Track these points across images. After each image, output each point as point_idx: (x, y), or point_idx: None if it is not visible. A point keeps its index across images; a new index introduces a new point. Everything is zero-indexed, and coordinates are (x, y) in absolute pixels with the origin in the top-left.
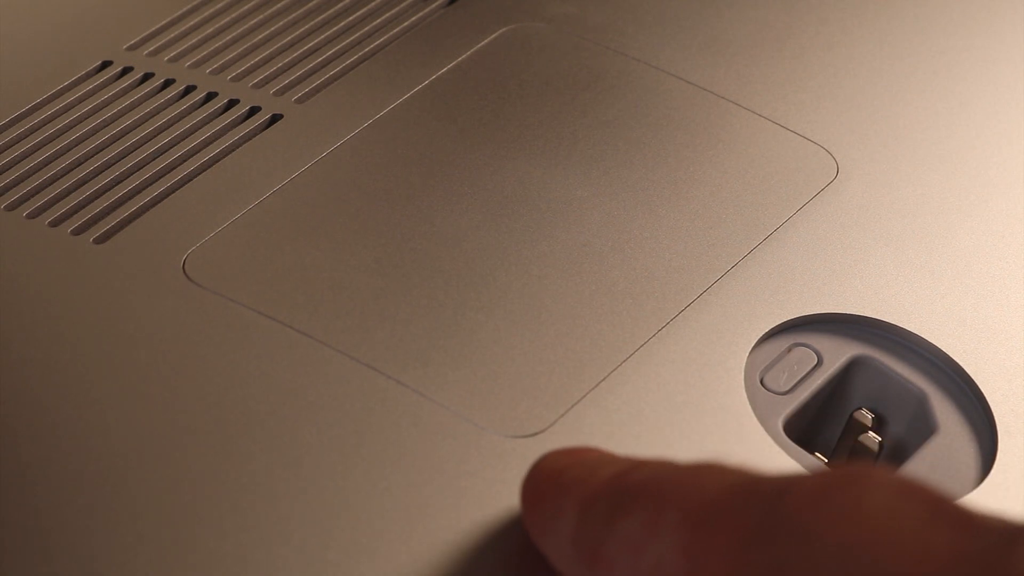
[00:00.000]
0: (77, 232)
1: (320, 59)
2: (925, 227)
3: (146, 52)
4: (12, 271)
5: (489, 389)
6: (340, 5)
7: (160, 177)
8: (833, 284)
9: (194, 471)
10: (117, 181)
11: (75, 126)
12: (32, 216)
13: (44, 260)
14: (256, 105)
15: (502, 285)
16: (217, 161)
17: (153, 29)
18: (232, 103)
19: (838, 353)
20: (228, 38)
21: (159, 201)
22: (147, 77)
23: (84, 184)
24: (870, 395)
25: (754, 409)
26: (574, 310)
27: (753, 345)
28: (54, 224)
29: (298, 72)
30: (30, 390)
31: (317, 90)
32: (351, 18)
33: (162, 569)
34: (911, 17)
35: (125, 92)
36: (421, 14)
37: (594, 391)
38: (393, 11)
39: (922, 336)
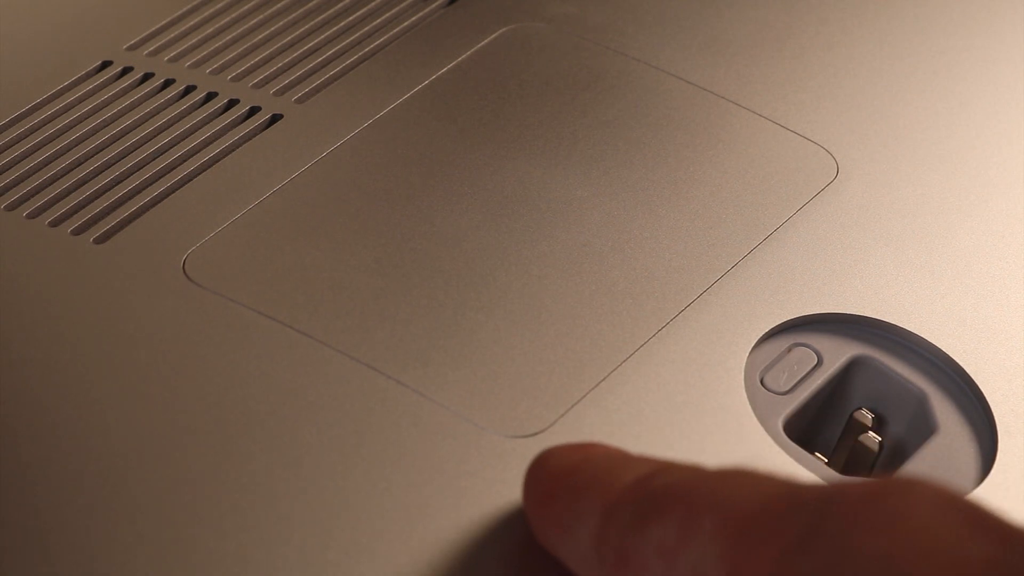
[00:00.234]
0: (77, 232)
1: (320, 59)
2: (925, 227)
3: (146, 52)
4: (12, 271)
5: (489, 389)
6: (340, 5)
7: (160, 177)
8: (833, 284)
9: (194, 471)
10: (117, 181)
11: (75, 126)
12: (32, 216)
13: (44, 260)
14: (256, 105)
15: (502, 285)
16: (217, 161)
17: (153, 29)
18: (232, 103)
19: (838, 353)
20: (228, 38)
21: (159, 201)
22: (147, 77)
23: (84, 184)
24: (870, 395)
25: (754, 409)
26: (574, 310)
27: (753, 345)
28: (54, 224)
29: (298, 72)
30: (30, 390)
31: (317, 90)
32: (351, 18)
33: (162, 569)
34: (911, 17)
35: (125, 92)
36: (421, 14)
37: (594, 391)
38: (393, 11)
39: (922, 336)
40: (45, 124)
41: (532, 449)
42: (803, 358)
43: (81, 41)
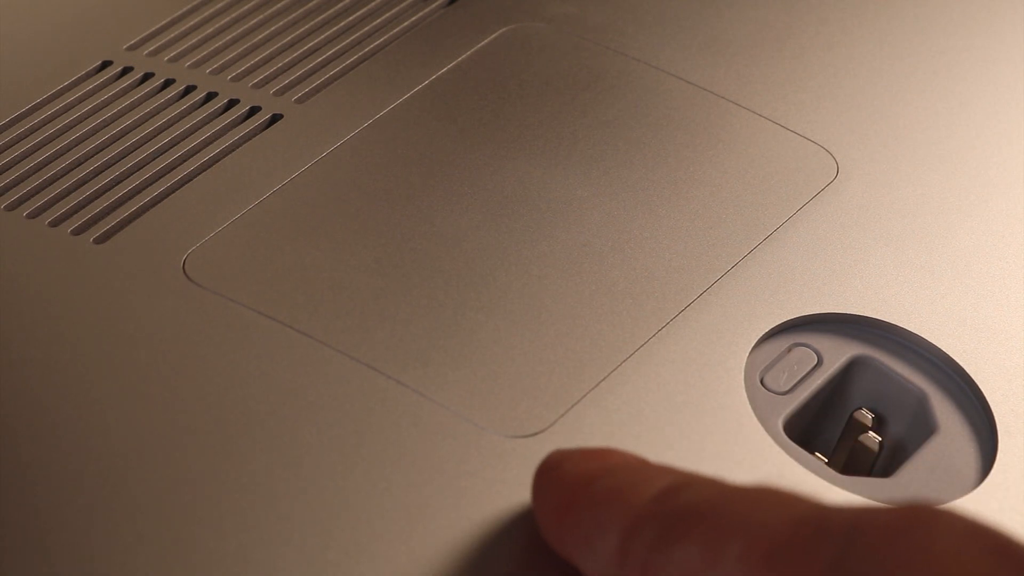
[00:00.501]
0: (77, 232)
1: (320, 59)
2: (925, 227)
3: (146, 52)
4: (12, 271)
5: (489, 389)
6: (340, 5)
7: (160, 177)
8: (833, 284)
9: (194, 471)
10: (117, 181)
11: (75, 126)
12: (32, 216)
13: (44, 260)
14: (256, 105)
15: (502, 285)
16: (217, 161)
17: (153, 29)
18: (232, 103)
19: (838, 353)
20: (228, 38)
21: (159, 201)
22: (147, 77)
23: (84, 184)
24: (870, 395)
25: (754, 409)
26: (574, 310)
27: (753, 345)
28: (54, 224)
29: (298, 72)
30: (30, 390)
31: (317, 90)
32: (351, 18)
33: (162, 569)
34: (911, 17)
35: (125, 92)
36: (421, 14)
37: (594, 391)
38: (393, 11)
39: (922, 336)
40: (45, 124)
41: (532, 449)
42: (803, 358)
43: (81, 41)
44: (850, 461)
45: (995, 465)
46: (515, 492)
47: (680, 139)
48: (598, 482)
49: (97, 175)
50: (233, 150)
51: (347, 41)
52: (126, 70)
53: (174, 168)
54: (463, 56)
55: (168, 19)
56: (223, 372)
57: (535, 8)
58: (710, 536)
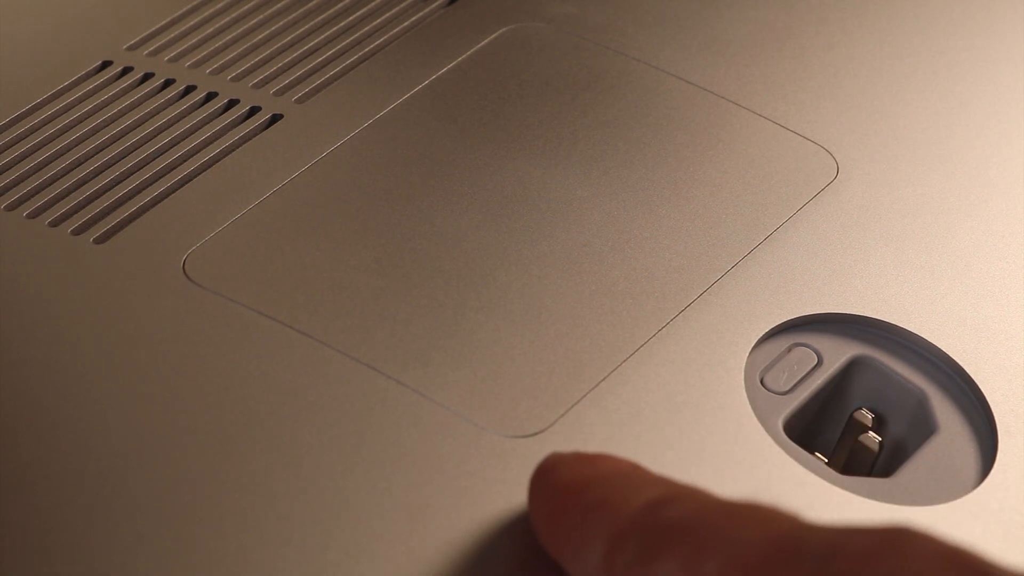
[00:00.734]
0: (77, 232)
1: (320, 59)
2: (925, 227)
3: (146, 52)
4: (12, 271)
5: (489, 389)
6: (340, 5)
7: (160, 177)
8: (833, 284)
9: (194, 471)
10: (117, 181)
11: (75, 126)
12: (32, 216)
13: (44, 260)
14: (256, 105)
15: (502, 285)
16: (217, 161)
17: (153, 29)
18: (232, 103)
19: (838, 353)
20: (228, 38)
21: (159, 201)
22: (147, 77)
23: (84, 184)
24: (870, 395)
25: (754, 409)
26: (574, 310)
27: (753, 345)
28: (54, 224)
29: (298, 72)
30: (30, 390)
31: (317, 90)
32: (351, 18)
33: (162, 569)
34: (911, 17)
35: (125, 92)
36: (421, 14)
37: (594, 391)
38: (393, 11)
39: (922, 336)
40: (45, 124)
41: (532, 449)
42: (803, 358)
43: (81, 41)
44: (850, 461)
45: (995, 465)
46: (515, 492)
47: (680, 139)
48: (588, 490)
49: (97, 175)
50: (233, 150)
51: (347, 41)
52: (126, 70)
53: (174, 168)
54: (463, 56)
55: (168, 19)
56: (223, 372)
57: (535, 8)
58: (689, 554)
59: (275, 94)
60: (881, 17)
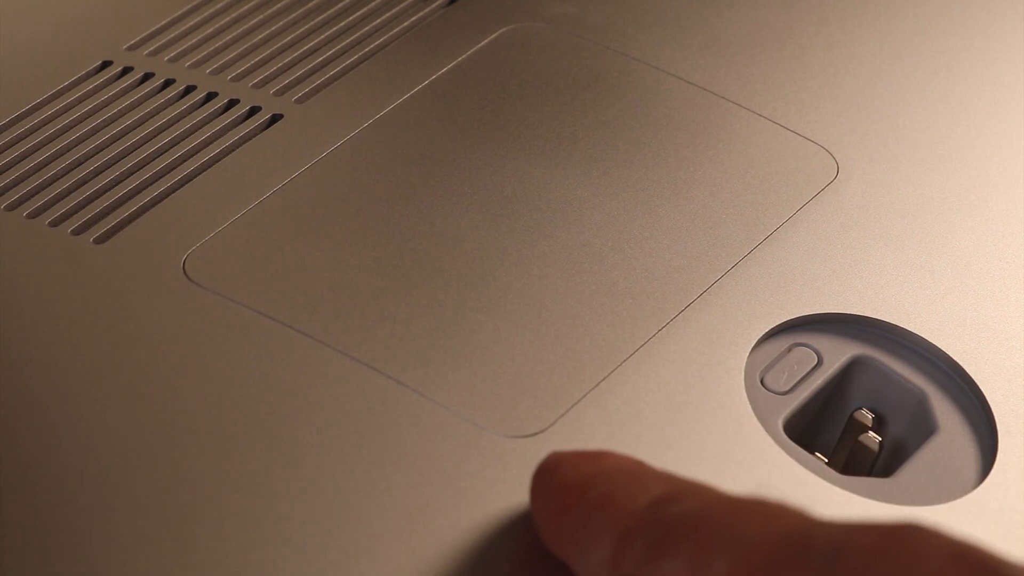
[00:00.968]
0: (77, 232)
1: (320, 59)
2: (925, 227)
3: (146, 52)
4: (12, 271)
5: (489, 389)
6: (340, 5)
7: (160, 177)
8: (833, 284)
9: (194, 471)
10: (117, 181)
11: (75, 126)
12: (32, 216)
13: (44, 260)
14: (256, 105)
15: (502, 285)
16: (217, 161)
17: (153, 29)
18: (232, 103)
19: (838, 353)
20: (228, 38)
21: (159, 201)
22: (147, 77)
23: (84, 184)
24: (870, 395)
25: (754, 409)
26: (574, 310)
27: (753, 345)
28: (54, 224)
29: (298, 72)
30: (30, 390)
31: (317, 90)
32: (351, 18)
33: (162, 569)
34: (911, 17)
35: (125, 92)
36: (421, 14)
37: (594, 391)
38: (393, 11)
39: (922, 336)
40: (45, 124)
41: (532, 449)
42: (803, 358)
43: (81, 41)
44: (850, 461)
45: (995, 465)
46: (515, 492)
47: (680, 139)
48: (592, 488)
49: (97, 175)
50: (233, 150)
51: (347, 41)
52: (126, 70)
53: (174, 168)
54: (463, 56)
55: (168, 19)
56: (223, 372)
57: (535, 8)
58: (698, 551)
59: (275, 94)
60: (881, 17)
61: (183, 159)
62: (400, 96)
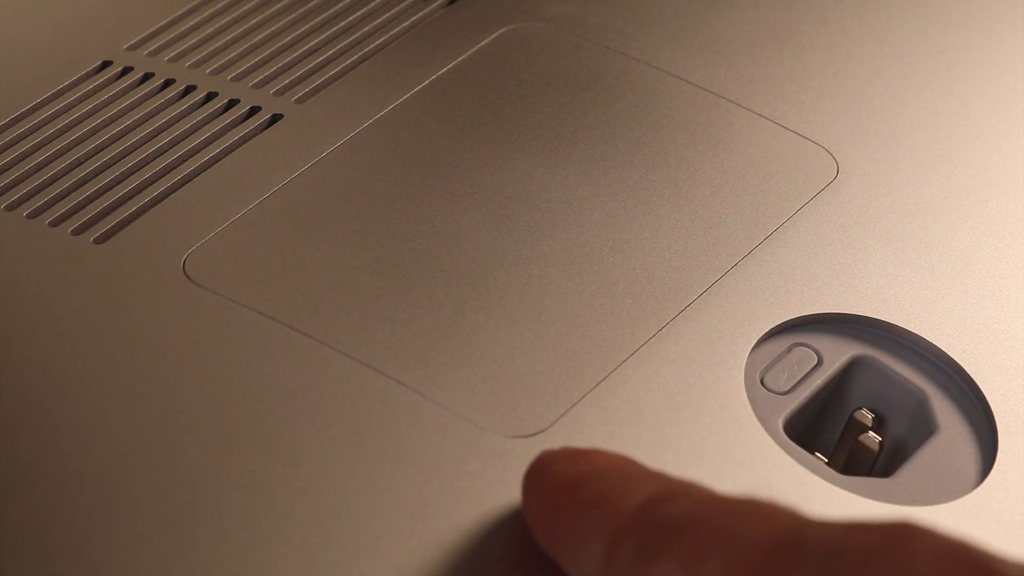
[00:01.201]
0: (77, 232)
1: (320, 59)
2: (925, 227)
3: (146, 52)
4: (12, 271)
5: (489, 389)
6: (340, 5)
7: (160, 177)
8: (833, 284)
9: (194, 471)
10: (117, 181)
11: (75, 126)
12: (32, 216)
13: (44, 260)
14: (256, 105)
15: (502, 285)
16: (217, 161)
17: (153, 29)
18: (232, 103)
19: (838, 353)
20: (228, 38)
21: (159, 201)
22: (147, 77)
23: (84, 184)
24: (870, 395)
25: (754, 409)
26: (574, 310)
27: (753, 345)
28: (54, 224)
29: (298, 72)
30: (30, 390)
31: (317, 90)
32: (351, 18)
33: (162, 569)
34: (911, 17)
35: (125, 92)
36: (421, 14)
37: (594, 391)
38: (393, 11)
39: (922, 336)
40: (45, 124)
41: (532, 449)
42: (803, 358)
43: (81, 41)
44: (850, 461)
45: (995, 465)
46: (515, 492)
47: (680, 139)
48: (584, 487)
49: (97, 175)
50: (233, 150)
51: (347, 41)
52: (126, 70)
53: (174, 168)
54: (463, 56)
55: (168, 19)
56: (223, 372)
57: (535, 8)
58: (690, 552)
59: (275, 94)
60: (881, 17)
61: (183, 159)
62: (400, 96)
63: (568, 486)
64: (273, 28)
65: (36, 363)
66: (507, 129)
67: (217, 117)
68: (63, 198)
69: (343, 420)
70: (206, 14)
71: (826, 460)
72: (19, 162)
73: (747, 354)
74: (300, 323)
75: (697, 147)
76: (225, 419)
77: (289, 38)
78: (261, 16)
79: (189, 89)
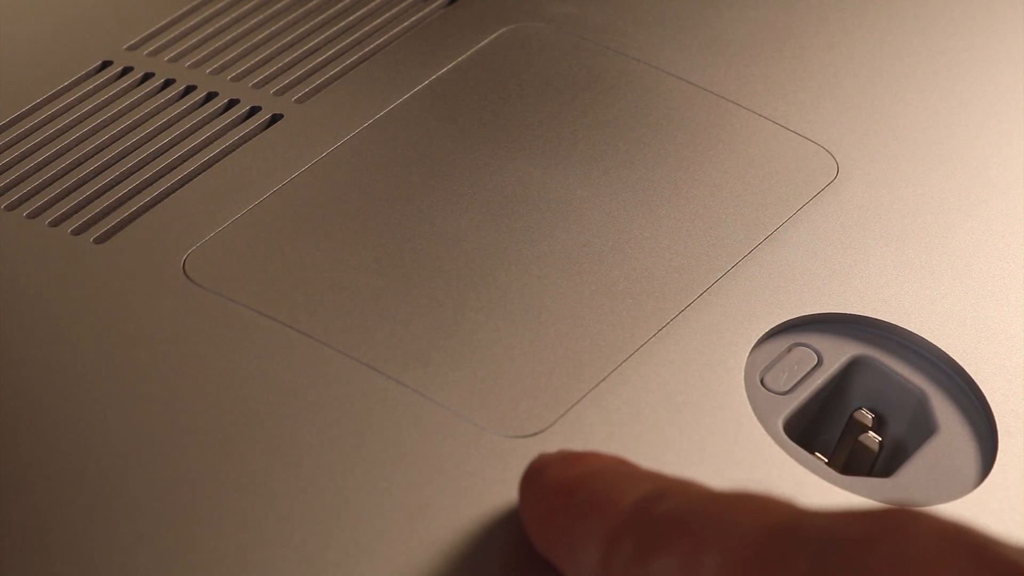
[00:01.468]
0: (77, 232)
1: (320, 59)
2: (925, 227)
3: (146, 52)
4: (12, 271)
5: (489, 389)
6: (340, 5)
7: (160, 177)
8: (833, 284)
9: (194, 471)
10: (117, 181)
11: (75, 126)
12: (32, 216)
13: (44, 260)
14: (256, 105)
15: (502, 285)
16: (217, 161)
17: (153, 29)
18: (232, 103)
19: (838, 353)
20: (228, 38)
21: (159, 201)
22: (147, 77)
23: (84, 184)
24: (870, 395)
25: (754, 409)
26: (574, 310)
27: (753, 345)
28: (54, 224)
29: (298, 72)
30: (30, 390)
31: (317, 90)
32: (351, 18)
33: (162, 569)
34: (911, 17)
35: (125, 92)
36: (421, 14)
37: (594, 391)
38: (393, 11)
39: (922, 336)
40: (45, 124)
41: (532, 449)
42: (803, 358)
43: (81, 41)
44: (850, 461)
45: (995, 465)
46: (515, 492)
47: (680, 139)
48: (578, 490)
49: (97, 175)
50: (233, 150)
51: (347, 41)
52: (126, 70)
53: (174, 168)
54: (463, 56)
55: (168, 19)
56: (223, 372)
57: (535, 8)
58: (687, 548)
59: (275, 94)
60: (881, 17)
61: (183, 159)
62: (400, 96)
63: (564, 490)
64: (273, 28)
65: (36, 363)
66: (507, 129)
67: (217, 117)
68: (63, 198)
69: (343, 420)
70: (206, 14)
71: (826, 460)
72: (19, 162)
73: (747, 354)
74: (300, 323)
75: (697, 147)
76: (225, 419)
77: (289, 38)
78: (261, 16)
79: (189, 89)
